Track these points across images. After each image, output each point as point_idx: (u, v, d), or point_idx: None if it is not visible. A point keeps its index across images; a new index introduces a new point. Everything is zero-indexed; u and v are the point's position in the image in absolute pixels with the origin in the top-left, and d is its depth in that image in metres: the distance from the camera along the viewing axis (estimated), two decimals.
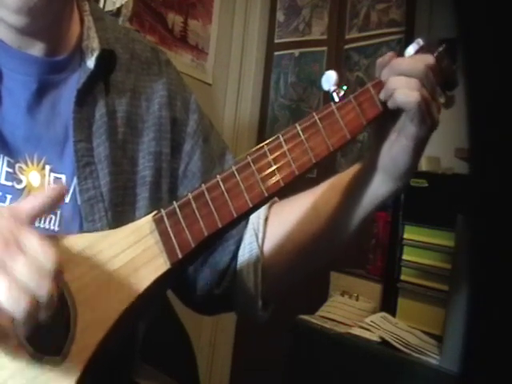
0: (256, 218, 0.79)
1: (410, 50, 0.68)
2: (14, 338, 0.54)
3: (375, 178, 0.70)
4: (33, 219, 0.54)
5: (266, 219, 0.80)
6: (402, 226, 1.37)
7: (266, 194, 0.62)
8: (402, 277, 1.35)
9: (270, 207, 0.81)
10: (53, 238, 0.58)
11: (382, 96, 0.66)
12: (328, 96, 0.66)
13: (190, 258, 0.63)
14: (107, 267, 0.59)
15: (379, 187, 0.71)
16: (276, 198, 0.82)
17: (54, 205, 0.56)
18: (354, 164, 0.75)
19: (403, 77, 0.64)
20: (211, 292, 0.81)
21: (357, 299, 1.47)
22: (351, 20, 2.12)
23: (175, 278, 0.78)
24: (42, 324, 0.52)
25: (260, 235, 0.78)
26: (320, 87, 0.68)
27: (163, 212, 0.61)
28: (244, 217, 0.64)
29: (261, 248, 0.78)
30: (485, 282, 0.49)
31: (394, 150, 0.67)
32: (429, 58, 0.66)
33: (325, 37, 2.22)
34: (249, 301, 0.79)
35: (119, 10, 1.78)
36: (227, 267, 0.79)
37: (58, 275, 0.51)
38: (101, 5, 1.70)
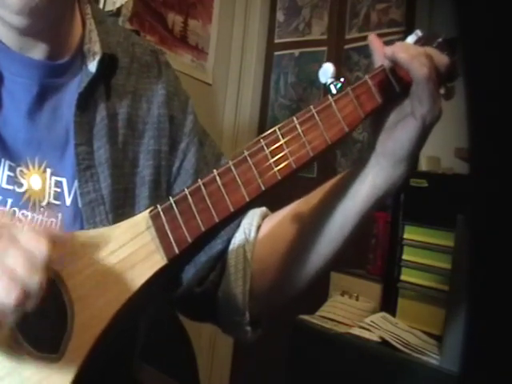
0: (248, 225, 0.78)
1: (409, 40, 0.68)
2: (4, 326, 0.54)
3: (373, 167, 0.68)
4: None
5: (259, 227, 0.78)
6: (402, 225, 1.37)
7: (264, 188, 0.62)
8: (402, 277, 1.36)
9: (263, 218, 0.79)
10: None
11: (389, 53, 0.63)
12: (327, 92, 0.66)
13: (187, 254, 0.63)
14: (104, 264, 0.59)
15: (378, 175, 0.67)
16: (269, 211, 0.81)
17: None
18: (353, 164, 0.73)
19: (415, 51, 0.62)
20: (192, 290, 0.79)
21: (357, 299, 1.47)
22: (351, 20, 2.12)
23: (173, 275, 0.77)
24: (29, 312, 0.52)
25: (251, 241, 0.77)
26: (319, 84, 0.67)
27: (159, 208, 0.61)
28: (241, 211, 0.64)
29: (251, 254, 0.76)
30: (484, 282, 0.49)
31: (402, 132, 0.65)
32: (430, 51, 0.65)
33: (325, 37, 2.22)
34: (235, 311, 0.77)
35: (119, 10, 1.78)
36: (211, 267, 0.78)
37: (49, 265, 0.52)
38: (101, 5, 1.71)
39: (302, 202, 0.76)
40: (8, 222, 0.53)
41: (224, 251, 0.78)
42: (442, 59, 0.64)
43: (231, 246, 0.78)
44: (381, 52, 0.66)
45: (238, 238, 0.78)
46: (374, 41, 0.67)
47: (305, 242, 0.74)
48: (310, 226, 0.73)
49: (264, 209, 0.81)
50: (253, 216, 0.79)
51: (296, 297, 0.78)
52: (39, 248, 0.51)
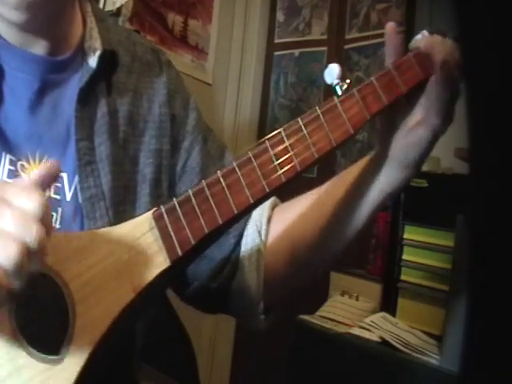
0: (258, 216, 0.79)
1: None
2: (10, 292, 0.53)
3: (384, 167, 0.69)
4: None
5: (270, 219, 0.79)
6: (402, 225, 1.37)
7: (268, 190, 0.61)
8: (402, 277, 1.36)
9: (273, 208, 0.80)
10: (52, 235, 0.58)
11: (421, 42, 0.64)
12: (329, 94, 0.66)
13: (190, 255, 0.62)
14: (106, 265, 0.59)
15: (387, 177, 0.69)
16: (278, 200, 0.82)
17: (46, 183, 0.55)
18: (353, 164, 0.74)
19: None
20: (207, 286, 0.80)
21: (357, 299, 1.47)
22: (351, 20, 2.12)
23: (176, 276, 0.78)
24: (33, 273, 0.51)
25: (263, 233, 0.78)
26: (319, 84, 0.67)
27: (163, 209, 0.61)
28: (245, 213, 0.64)
29: (264, 247, 0.78)
30: (484, 282, 0.49)
31: (410, 139, 0.66)
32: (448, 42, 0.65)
33: (325, 37, 2.22)
34: (249, 303, 0.78)
35: (119, 10, 1.78)
36: (225, 263, 0.79)
37: (46, 217, 0.51)
38: (101, 5, 1.71)
39: (311, 199, 0.77)
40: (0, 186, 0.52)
41: (237, 245, 0.79)
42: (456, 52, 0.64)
43: (244, 240, 0.79)
44: (396, 42, 0.65)
45: (249, 231, 0.79)
46: (391, 30, 0.66)
47: (315, 240, 0.75)
48: (321, 224, 0.74)
49: (273, 199, 0.81)
50: (263, 208, 0.79)
51: (300, 293, 0.79)
52: (30, 201, 0.50)
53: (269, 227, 0.79)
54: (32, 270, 0.50)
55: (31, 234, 0.49)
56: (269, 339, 1.83)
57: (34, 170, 0.55)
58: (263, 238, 0.78)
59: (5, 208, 0.50)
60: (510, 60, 0.45)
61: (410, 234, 1.35)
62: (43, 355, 0.56)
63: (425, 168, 1.47)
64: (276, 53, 2.38)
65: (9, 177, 0.69)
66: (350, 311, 1.43)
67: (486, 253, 0.49)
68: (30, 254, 0.49)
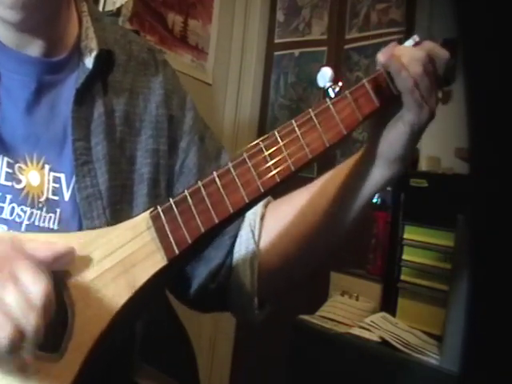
0: (252, 215, 0.80)
1: (406, 45, 0.68)
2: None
3: (373, 163, 0.70)
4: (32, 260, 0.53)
5: (263, 216, 0.80)
6: (402, 226, 1.37)
7: (262, 190, 0.62)
8: (402, 277, 1.36)
9: (266, 206, 0.81)
10: (51, 236, 0.58)
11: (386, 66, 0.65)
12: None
13: (187, 255, 0.63)
14: (104, 263, 0.60)
15: (375, 173, 0.71)
16: (271, 198, 0.82)
17: (57, 265, 0.56)
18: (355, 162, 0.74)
19: (404, 61, 0.64)
20: (206, 287, 0.81)
21: (357, 299, 1.47)
22: (351, 20, 2.12)
23: (173, 275, 0.78)
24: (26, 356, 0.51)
25: (256, 232, 0.79)
26: (317, 84, 0.68)
27: (159, 209, 0.62)
28: (240, 213, 0.65)
29: (257, 244, 0.79)
30: (485, 282, 0.49)
31: (391, 134, 0.67)
32: (429, 44, 0.65)
33: (325, 37, 2.22)
34: (245, 299, 0.79)
35: (119, 10, 1.78)
36: (222, 263, 0.80)
37: (48, 311, 0.51)
38: (101, 5, 1.71)
39: (304, 196, 0.78)
40: (12, 255, 0.52)
41: (233, 245, 0.80)
42: (443, 54, 0.65)
43: (238, 239, 0.80)
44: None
45: (243, 230, 0.80)
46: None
47: (308, 236, 0.76)
48: (313, 220, 0.76)
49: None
50: (256, 207, 0.80)
51: (296, 296, 0.79)
52: (38, 291, 0.50)
53: (262, 225, 0.80)
54: (21, 355, 0.50)
55: (30, 322, 0.49)
56: (269, 339, 1.84)
57: (52, 247, 0.55)
58: (256, 236, 0.79)
59: (12, 283, 0.50)
60: (510, 60, 0.45)
61: (410, 234, 1.35)
62: (42, 353, 0.56)
63: (425, 168, 1.48)
64: (276, 53, 2.38)
65: (6, 179, 0.69)
66: (350, 311, 1.43)
67: (485, 253, 0.49)
68: (22, 339, 0.49)
